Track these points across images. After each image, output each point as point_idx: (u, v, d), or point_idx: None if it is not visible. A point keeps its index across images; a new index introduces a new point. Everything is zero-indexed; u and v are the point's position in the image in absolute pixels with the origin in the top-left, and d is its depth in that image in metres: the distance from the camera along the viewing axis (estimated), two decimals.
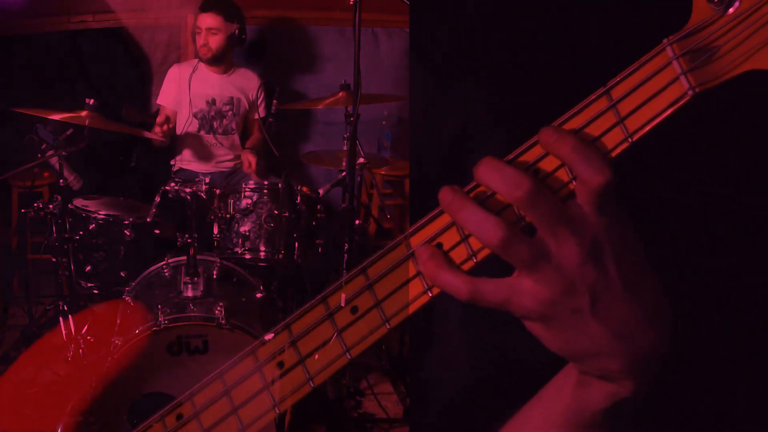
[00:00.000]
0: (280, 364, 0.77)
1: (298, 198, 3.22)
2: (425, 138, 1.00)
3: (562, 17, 0.89)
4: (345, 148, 3.37)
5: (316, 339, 0.75)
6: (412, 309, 0.72)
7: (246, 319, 2.74)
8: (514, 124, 0.68)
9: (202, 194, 3.14)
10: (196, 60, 4.15)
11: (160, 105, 4.16)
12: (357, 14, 2.96)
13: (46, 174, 4.20)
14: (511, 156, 0.68)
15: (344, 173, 3.21)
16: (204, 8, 4.03)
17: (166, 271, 3.11)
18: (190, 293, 2.92)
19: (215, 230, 3.28)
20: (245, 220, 3.26)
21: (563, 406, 0.74)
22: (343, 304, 0.74)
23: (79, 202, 3.43)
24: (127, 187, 3.83)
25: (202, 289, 2.93)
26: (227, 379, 0.79)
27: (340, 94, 3.56)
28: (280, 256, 3.20)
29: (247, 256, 3.23)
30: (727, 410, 0.86)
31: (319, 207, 3.30)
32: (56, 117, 3.27)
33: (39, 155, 3.47)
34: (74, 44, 4.27)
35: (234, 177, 4.12)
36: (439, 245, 0.70)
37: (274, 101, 3.47)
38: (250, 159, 3.98)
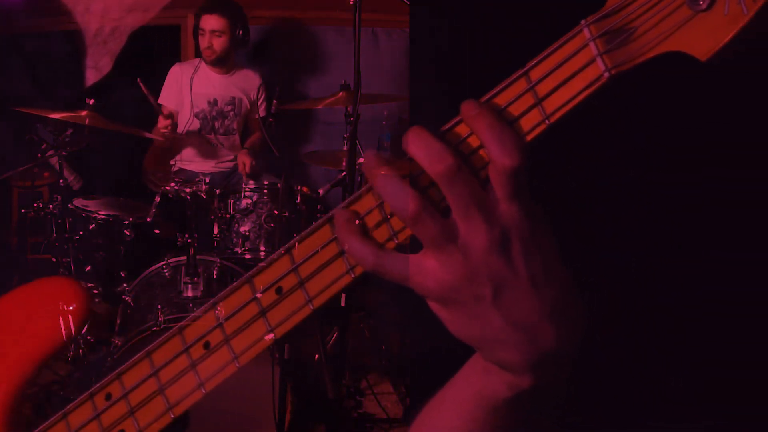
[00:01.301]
0: (207, 344, 0.77)
1: (298, 198, 3.22)
2: None
3: (563, 17, 0.89)
4: (345, 148, 3.37)
5: (242, 319, 0.76)
6: (334, 290, 0.73)
7: None
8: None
9: (202, 194, 3.14)
10: (198, 60, 4.14)
11: (161, 105, 4.16)
12: (357, 14, 2.96)
13: (46, 174, 4.20)
14: (446, 126, 0.68)
15: (344, 173, 3.21)
16: (208, 10, 4.00)
17: (166, 271, 3.11)
18: (190, 293, 2.92)
19: (215, 230, 3.28)
20: (245, 220, 3.26)
21: (472, 392, 0.74)
22: (342, 304, 0.74)
23: (79, 202, 3.43)
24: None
25: (202, 289, 2.93)
26: (155, 360, 0.79)
27: (340, 94, 3.56)
28: None
29: (247, 256, 3.23)
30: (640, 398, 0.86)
31: (319, 207, 3.30)
32: (56, 117, 3.27)
33: (39, 155, 3.47)
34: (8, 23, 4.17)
35: (234, 177, 4.12)
36: (362, 224, 0.71)
37: (275, 101, 3.47)
38: (245, 160, 3.97)
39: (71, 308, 0.93)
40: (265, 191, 3.28)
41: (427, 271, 0.66)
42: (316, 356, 3.23)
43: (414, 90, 1.00)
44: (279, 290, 0.74)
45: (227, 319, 0.76)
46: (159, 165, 3.98)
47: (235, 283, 0.76)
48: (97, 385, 0.83)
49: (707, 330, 0.87)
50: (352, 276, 0.72)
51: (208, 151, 4.17)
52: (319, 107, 3.89)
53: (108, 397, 0.82)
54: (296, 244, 0.73)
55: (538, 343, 0.67)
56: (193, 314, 0.78)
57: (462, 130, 0.68)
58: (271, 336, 0.75)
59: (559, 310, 0.67)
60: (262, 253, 3.23)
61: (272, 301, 0.74)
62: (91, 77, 4.20)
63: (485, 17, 0.94)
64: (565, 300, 0.68)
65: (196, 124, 4.12)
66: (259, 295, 0.74)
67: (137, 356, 0.80)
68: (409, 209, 0.65)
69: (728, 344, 0.89)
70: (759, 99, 0.86)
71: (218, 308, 0.76)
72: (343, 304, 2.92)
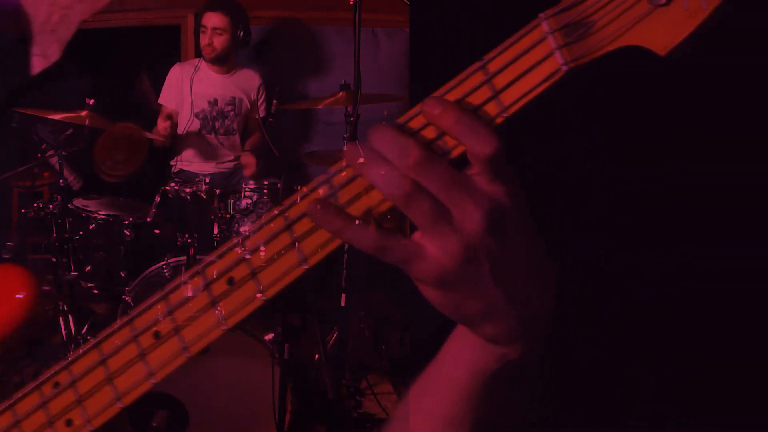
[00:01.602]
0: (156, 334, 0.76)
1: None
2: None
3: None
4: (345, 148, 3.35)
5: (192, 309, 0.76)
6: (287, 281, 0.73)
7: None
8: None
9: (202, 194, 3.14)
10: (198, 60, 4.14)
11: (161, 105, 4.16)
12: (357, 14, 2.96)
13: (46, 174, 4.19)
14: (402, 119, 0.68)
15: None
16: (211, 7, 4.01)
17: (166, 271, 3.11)
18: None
19: (215, 230, 3.28)
20: (245, 220, 3.26)
21: (464, 368, 0.74)
22: (342, 304, 0.74)
23: (79, 202, 3.44)
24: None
25: None
26: (104, 349, 0.79)
27: (340, 94, 3.56)
28: None
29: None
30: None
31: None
32: (56, 117, 3.27)
33: (39, 155, 3.47)
34: None
35: (234, 177, 4.12)
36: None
37: (275, 101, 3.47)
38: (249, 161, 3.98)
39: (20, 296, 0.93)
40: (265, 191, 3.28)
41: (426, 256, 0.66)
42: (316, 356, 3.23)
43: (414, 90, 1.00)
44: (231, 280, 0.74)
45: (177, 308, 0.76)
46: (108, 154, 3.95)
47: (184, 274, 0.76)
48: (47, 374, 0.82)
49: (677, 328, 0.87)
50: (306, 267, 0.72)
51: (208, 151, 4.17)
52: (319, 107, 3.89)
53: (56, 385, 0.81)
54: (249, 235, 0.74)
55: (526, 310, 0.69)
56: (144, 303, 0.77)
57: (416, 123, 0.68)
58: (222, 326, 0.74)
59: (541, 277, 0.69)
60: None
61: (223, 291, 0.75)
62: (38, 65, 4.19)
63: (485, 17, 0.94)
64: (545, 267, 0.70)
65: (196, 124, 4.11)
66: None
67: (87, 345, 0.80)
68: (403, 189, 0.65)
69: (702, 342, 0.89)
70: (717, 93, 0.86)
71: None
72: (343, 304, 2.92)
